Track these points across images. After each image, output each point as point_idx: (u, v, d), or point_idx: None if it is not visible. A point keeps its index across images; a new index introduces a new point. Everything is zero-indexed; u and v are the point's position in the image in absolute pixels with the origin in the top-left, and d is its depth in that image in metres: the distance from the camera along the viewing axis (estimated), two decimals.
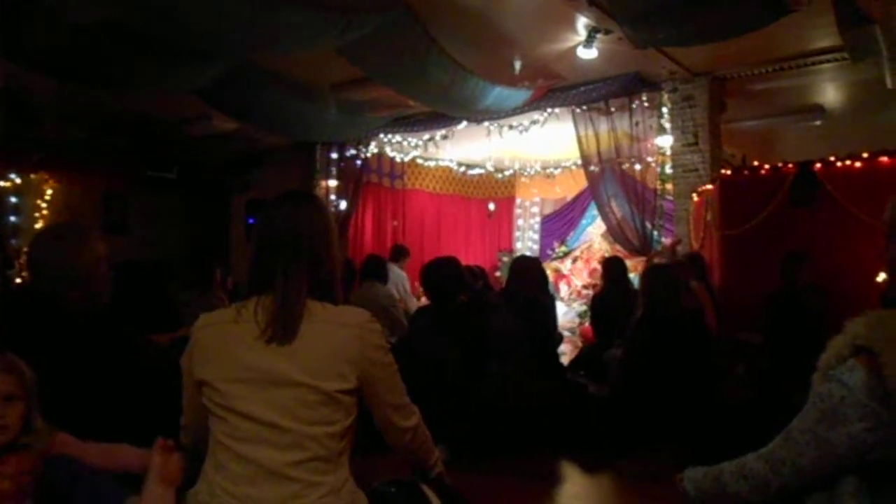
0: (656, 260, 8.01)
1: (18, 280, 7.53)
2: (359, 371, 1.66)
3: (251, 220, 9.54)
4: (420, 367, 3.54)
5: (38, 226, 9.34)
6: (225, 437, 1.61)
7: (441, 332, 3.71)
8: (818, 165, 5.21)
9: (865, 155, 5.09)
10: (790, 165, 5.35)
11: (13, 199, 9.20)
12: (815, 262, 4.87)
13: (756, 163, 6.02)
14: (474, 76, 6.25)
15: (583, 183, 11.11)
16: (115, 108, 7.94)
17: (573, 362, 5.50)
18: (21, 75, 5.84)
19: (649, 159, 7.95)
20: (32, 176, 9.24)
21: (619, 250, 8.85)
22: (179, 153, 9.58)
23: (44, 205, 9.46)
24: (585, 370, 5.23)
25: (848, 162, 5.10)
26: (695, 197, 6.82)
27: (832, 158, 5.21)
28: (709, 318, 5.06)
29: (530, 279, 4.71)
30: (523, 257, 6.51)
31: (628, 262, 8.81)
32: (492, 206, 12.55)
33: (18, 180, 9.09)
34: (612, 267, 5.67)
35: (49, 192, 9.48)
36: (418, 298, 8.95)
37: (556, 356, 5.30)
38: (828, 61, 6.86)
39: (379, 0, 4.98)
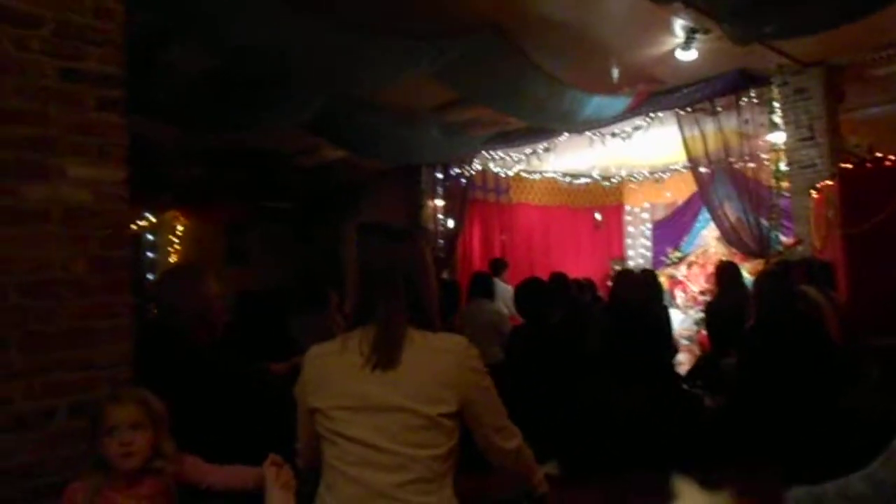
0: (774, 261, 7.72)
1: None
2: (459, 395, 1.73)
3: None
4: (516, 385, 3.57)
5: (172, 259, 10.11)
6: (335, 461, 1.72)
7: (533, 351, 3.73)
8: None
9: None
10: None
11: (149, 237, 10.00)
12: None
13: (881, 154, 5.63)
14: (571, 88, 6.24)
15: (693, 186, 10.79)
16: (231, 146, 8.48)
17: (690, 372, 5.34)
18: (145, 122, 6.36)
19: (762, 156, 7.62)
20: (165, 215, 10.00)
21: (736, 254, 8.50)
22: (292, 184, 10.08)
23: (175, 240, 10.19)
24: (702, 380, 5.07)
25: None
26: (814, 194, 6.47)
27: None
28: (829, 325, 4.77)
29: (635, 290, 4.63)
30: (626, 270, 6.40)
31: (746, 266, 8.50)
32: (598, 216, 12.37)
33: (153, 219, 9.87)
34: (726, 272, 5.47)
35: (179, 228, 10.21)
36: None
37: (670, 366, 5.17)
38: None
39: (467, 23, 5.10)
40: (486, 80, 5.78)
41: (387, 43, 4.61)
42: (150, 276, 9.35)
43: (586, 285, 6.70)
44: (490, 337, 5.55)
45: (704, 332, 7.14)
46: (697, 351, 7.65)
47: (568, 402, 3.77)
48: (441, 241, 10.12)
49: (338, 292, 6.27)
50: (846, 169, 5.51)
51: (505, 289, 8.00)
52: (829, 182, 6.05)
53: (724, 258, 10.31)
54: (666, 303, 7.32)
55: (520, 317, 4.12)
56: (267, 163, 9.48)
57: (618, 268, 12.19)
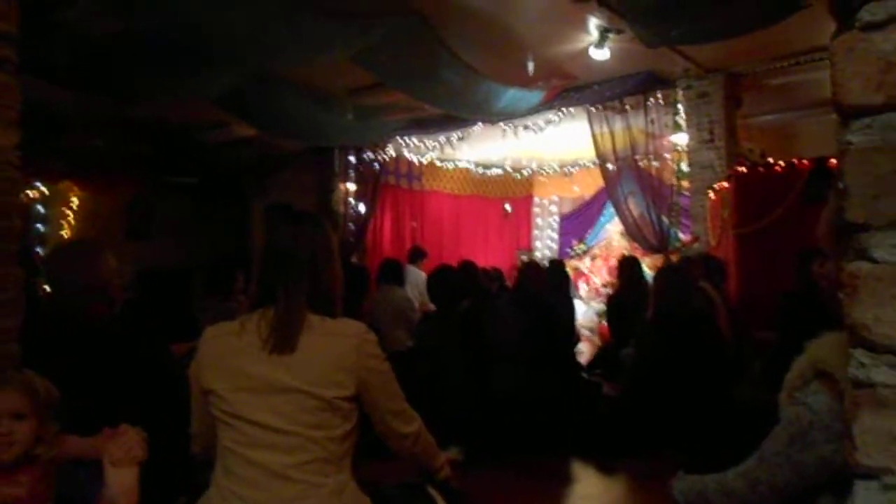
0: (674, 258, 8.08)
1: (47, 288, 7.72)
2: (356, 379, 1.75)
3: None
4: (428, 372, 3.60)
5: (65, 233, 9.56)
6: (232, 443, 1.71)
7: (444, 338, 3.77)
8: (834, 161, 5.17)
9: None
10: (805, 162, 5.33)
11: (40, 209, 9.40)
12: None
13: (772, 159, 5.98)
14: (487, 79, 6.29)
15: (600, 181, 11.12)
16: (135, 117, 8.08)
17: (590, 362, 5.53)
18: (41, 87, 5.98)
19: (666, 156, 7.95)
20: (59, 185, 9.43)
21: (638, 248, 8.83)
22: (199, 159, 9.72)
23: (70, 213, 9.64)
24: (602, 369, 5.26)
25: None
26: (711, 194, 6.80)
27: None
28: (720, 320, 5.04)
29: (540, 281, 4.74)
30: (532, 262, 6.54)
31: (647, 261, 8.86)
32: (508, 207, 12.58)
33: (45, 190, 9.28)
34: (628, 266, 5.69)
35: (75, 200, 9.67)
36: None
37: (572, 355, 5.33)
38: None
39: (388, 6, 5.06)
40: (404, 65, 5.75)
41: (306, 20, 4.50)
42: (38, 250, 8.82)
43: (494, 275, 6.80)
44: (397, 323, 5.56)
45: (605, 324, 7.41)
46: (598, 342, 7.92)
47: (474, 389, 3.83)
48: (351, 226, 10.02)
49: (243, 274, 6.14)
50: (740, 172, 5.82)
51: (417, 275, 8.04)
52: (724, 184, 6.37)
53: (626, 252, 10.72)
54: (571, 294, 7.55)
55: (432, 303, 4.15)
56: (172, 136, 9.10)
57: (524, 258, 12.48)
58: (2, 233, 2.06)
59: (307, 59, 5.33)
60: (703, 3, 4.93)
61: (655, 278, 4.26)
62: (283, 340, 1.72)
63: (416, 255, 8.44)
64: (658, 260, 8.08)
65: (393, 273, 5.88)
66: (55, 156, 8.57)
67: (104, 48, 5.21)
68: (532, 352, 3.97)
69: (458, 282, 4.08)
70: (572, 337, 5.42)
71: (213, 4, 4.24)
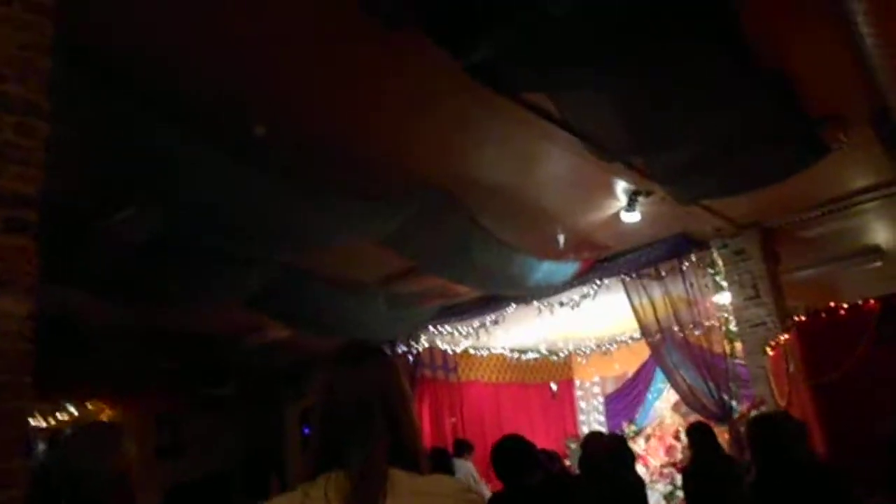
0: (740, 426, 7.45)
1: None
2: None
3: (307, 430, 9.23)
4: None
5: None
6: None
7: None
8: None
9: None
10: (871, 301, 5.01)
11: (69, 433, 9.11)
12: None
13: (834, 304, 5.63)
14: (520, 253, 6.21)
15: (641, 356, 10.75)
16: (163, 329, 8.02)
17: None
18: (68, 301, 5.94)
19: (708, 323, 7.62)
20: (89, 406, 9.22)
21: (697, 419, 8.22)
22: (232, 368, 9.56)
23: None
24: None
25: None
26: (769, 351, 6.39)
27: None
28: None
29: (606, 452, 4.27)
30: (595, 432, 6.04)
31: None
32: (554, 387, 12.09)
33: (75, 411, 9.06)
34: (698, 433, 5.16)
35: (104, 419, 9.39)
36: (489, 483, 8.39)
37: None
38: (872, 199, 6.73)
39: (415, 188, 5.08)
40: (435, 245, 5.70)
41: (339, 202, 4.50)
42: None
43: (554, 456, 6.23)
44: None
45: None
46: None
47: None
48: None
49: (279, 476, 5.72)
50: (803, 321, 5.47)
51: (466, 467, 7.51)
52: (784, 336, 5.99)
53: (680, 428, 10.07)
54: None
55: (499, 479, 3.68)
56: (202, 348, 9.00)
57: (573, 446, 11.73)
58: (11, 417, 1.79)
59: (337, 242, 5.29)
60: (729, 155, 4.91)
61: (748, 433, 3.68)
62: None
63: (462, 449, 7.94)
64: (722, 432, 7.48)
65: (441, 463, 5.39)
66: (83, 375, 8.43)
67: (136, 255, 5.24)
68: None
69: (527, 450, 3.64)
70: None
71: (255, 193, 4.26)
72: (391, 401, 1.52)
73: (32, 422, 8.82)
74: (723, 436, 7.70)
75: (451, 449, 9.96)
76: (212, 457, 9.57)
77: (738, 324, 7.17)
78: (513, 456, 3.46)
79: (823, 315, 5.30)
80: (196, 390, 9.63)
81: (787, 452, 3.07)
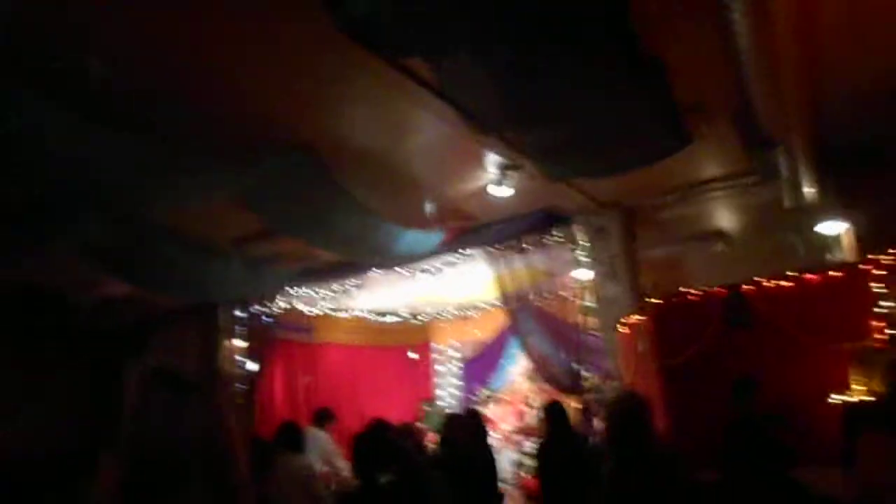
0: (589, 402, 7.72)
1: None
2: None
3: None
4: None
5: None
6: None
7: None
8: (746, 287, 5.13)
9: (792, 273, 5.06)
10: (718, 289, 5.25)
11: None
12: (760, 385, 4.64)
13: (683, 289, 5.87)
14: (385, 221, 5.99)
15: (499, 324, 10.92)
16: None
17: None
18: None
19: (564, 294, 7.78)
20: None
21: (547, 390, 8.45)
22: (65, 325, 8.69)
23: None
24: None
25: (776, 282, 5.04)
26: (621, 328, 6.61)
27: (760, 279, 5.15)
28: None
29: (465, 434, 4.22)
30: (455, 415, 6.01)
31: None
32: (413, 355, 12.07)
33: None
34: (554, 411, 5.23)
35: None
36: None
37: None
38: (723, 188, 7.07)
39: (278, 145, 4.72)
40: (296, 209, 5.35)
41: (192, 160, 4.06)
42: None
43: (408, 431, 6.09)
44: (301, 496, 4.80)
45: (530, 477, 6.84)
46: (520, 497, 7.30)
47: None
48: (240, 387, 9.12)
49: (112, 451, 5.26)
50: (655, 304, 5.66)
51: (320, 437, 7.31)
52: (636, 317, 6.19)
53: (531, 395, 10.37)
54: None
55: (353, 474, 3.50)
56: (33, 301, 8.13)
57: (427, 408, 11.81)
58: None
59: (192, 201, 4.84)
60: (601, 138, 4.92)
61: (609, 424, 3.74)
62: None
63: (323, 418, 7.70)
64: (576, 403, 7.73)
65: (291, 440, 5.13)
66: None
67: None
68: None
69: (382, 442, 3.48)
70: (498, 495, 4.83)
71: (94, 147, 3.74)
72: (214, 442, 1.26)
73: None
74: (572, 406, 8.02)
75: (302, 419, 9.78)
76: (42, 419, 8.78)
77: (594, 300, 7.35)
78: (368, 449, 3.27)
79: (674, 299, 5.50)
80: (21, 348, 8.70)
81: (643, 446, 3.09)
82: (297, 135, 4.79)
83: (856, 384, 4.59)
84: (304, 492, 4.76)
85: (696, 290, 5.44)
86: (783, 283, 5.06)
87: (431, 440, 10.42)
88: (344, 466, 7.48)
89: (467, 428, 4.73)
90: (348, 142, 5.09)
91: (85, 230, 5.13)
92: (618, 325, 6.77)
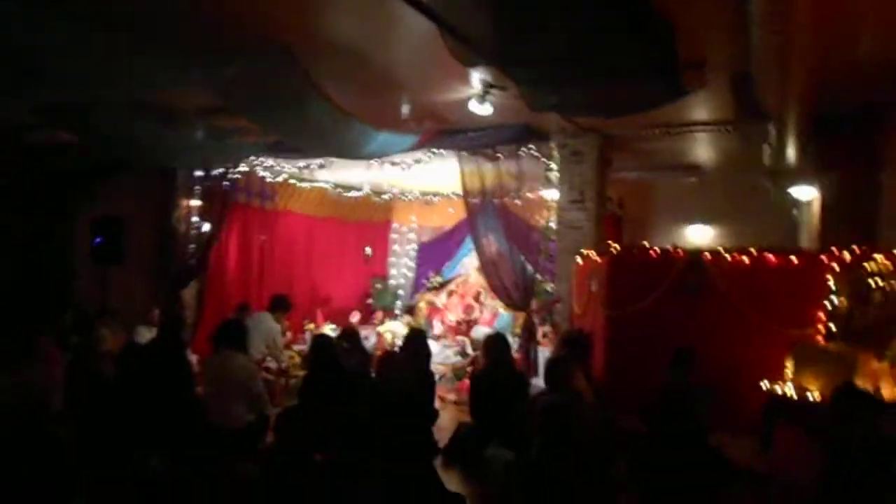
0: (535, 317, 7.90)
1: None
2: None
3: (98, 240, 8.47)
4: None
5: None
6: None
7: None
8: (707, 255, 5.15)
9: (753, 251, 5.07)
10: (679, 252, 5.26)
11: None
12: (699, 353, 4.77)
13: (645, 243, 5.85)
14: (358, 121, 5.74)
15: (462, 213, 10.81)
16: None
17: (447, 448, 5.09)
18: None
19: (530, 195, 7.70)
20: None
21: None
22: (14, 161, 8.33)
23: None
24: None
25: (736, 256, 5.06)
26: (578, 260, 6.65)
27: (721, 250, 5.16)
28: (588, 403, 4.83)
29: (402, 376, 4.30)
30: (390, 355, 6.02)
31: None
32: (368, 251, 12.01)
33: None
34: (495, 344, 5.32)
35: None
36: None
37: (430, 440, 4.94)
38: (706, 131, 6.96)
39: (255, 39, 4.39)
40: (268, 102, 5.08)
41: (162, 53, 3.77)
42: None
43: (350, 337, 6.00)
44: (235, 395, 4.89)
45: (466, 381, 7.07)
46: (454, 398, 7.58)
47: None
48: (192, 247, 9.04)
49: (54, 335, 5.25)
50: (615, 253, 5.67)
51: (271, 328, 7.35)
52: (592, 254, 6.21)
53: (482, 290, 10.52)
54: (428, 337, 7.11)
55: None
56: None
57: (378, 286, 11.93)
58: None
59: (159, 88, 4.55)
60: (595, 81, 4.70)
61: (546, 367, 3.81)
62: None
63: (278, 306, 7.68)
64: (520, 317, 7.90)
65: (234, 337, 5.11)
66: None
67: None
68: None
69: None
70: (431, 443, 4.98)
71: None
72: None
73: None
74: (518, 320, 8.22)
75: (253, 284, 9.81)
76: None
77: (558, 222, 7.34)
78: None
79: (635, 252, 5.50)
80: None
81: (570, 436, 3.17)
82: (278, 32, 4.46)
83: (787, 374, 4.75)
84: (242, 390, 4.82)
85: (658, 248, 5.43)
86: (744, 258, 5.07)
87: (378, 318, 10.69)
88: (283, 358, 7.63)
89: (403, 366, 4.82)
90: (329, 41, 4.76)
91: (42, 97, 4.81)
92: (578, 254, 6.80)
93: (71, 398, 4.73)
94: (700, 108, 6.37)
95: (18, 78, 4.25)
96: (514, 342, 7.35)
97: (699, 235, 9.58)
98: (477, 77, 5.53)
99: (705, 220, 9.63)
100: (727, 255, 5.11)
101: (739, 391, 4.89)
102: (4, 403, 4.23)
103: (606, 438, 4.58)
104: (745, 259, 5.06)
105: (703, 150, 8.04)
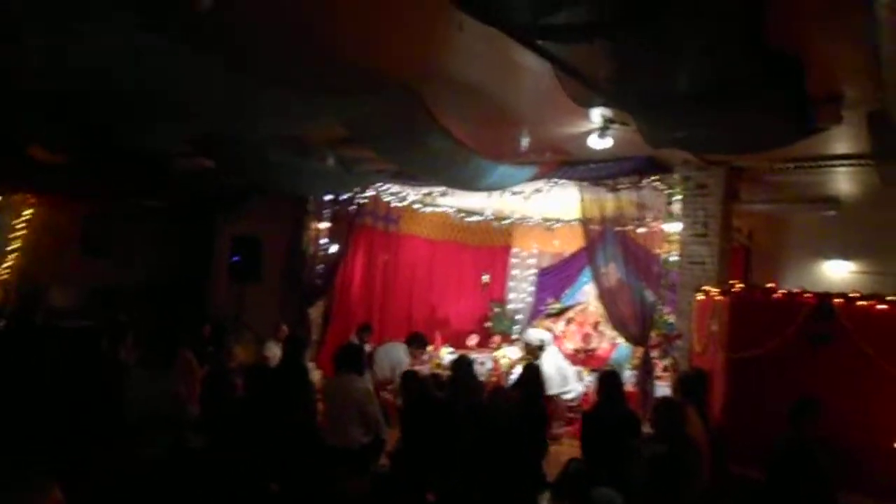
0: (654, 354, 7.69)
1: None
2: None
3: (235, 259, 9.15)
4: None
5: (16, 244, 9.03)
6: None
7: None
8: (838, 300, 4.86)
9: (891, 298, 4.74)
10: (807, 296, 5.00)
11: None
12: (824, 405, 4.50)
13: (772, 285, 5.60)
14: (477, 156, 5.89)
15: (582, 240, 10.69)
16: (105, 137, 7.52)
17: (556, 484, 5.06)
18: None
19: (653, 225, 7.51)
20: (14, 196, 8.90)
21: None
22: (170, 184, 9.18)
23: (20, 224, 9.08)
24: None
25: (871, 302, 4.75)
26: (700, 296, 6.45)
27: (853, 295, 4.86)
28: (702, 449, 4.67)
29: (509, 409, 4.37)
30: (500, 390, 6.05)
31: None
32: (486, 278, 12.09)
33: None
34: (609, 380, 5.26)
35: (28, 211, 9.10)
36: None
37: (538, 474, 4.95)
38: (844, 165, 6.57)
39: (379, 82, 4.64)
40: (392, 138, 5.34)
41: (293, 96, 4.08)
42: None
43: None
44: (352, 417, 5.12)
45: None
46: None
47: None
48: (320, 267, 9.53)
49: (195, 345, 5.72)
50: (738, 292, 5.47)
51: (399, 360, 7.52)
52: (716, 291, 6.01)
53: (601, 320, 10.33)
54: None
55: None
56: (144, 161, 8.57)
57: (497, 310, 11.99)
58: None
59: (293, 129, 4.90)
60: (720, 119, 4.59)
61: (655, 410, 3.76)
62: None
63: (415, 341, 7.90)
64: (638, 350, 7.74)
65: (352, 361, 5.37)
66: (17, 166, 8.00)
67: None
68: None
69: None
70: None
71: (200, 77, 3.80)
72: None
73: None
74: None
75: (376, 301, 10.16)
76: (135, 265, 9.59)
77: (680, 255, 7.16)
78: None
79: (759, 293, 5.29)
80: (125, 198, 9.32)
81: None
82: (404, 72, 4.68)
83: None
84: (357, 411, 5.05)
85: (783, 291, 5.18)
86: (879, 305, 4.74)
87: (496, 343, 10.74)
88: None
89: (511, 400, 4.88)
90: (451, 81, 4.93)
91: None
92: (699, 290, 6.59)
93: (205, 410, 5.14)
94: (837, 142, 6.04)
95: (173, 111, 4.71)
96: (631, 375, 7.22)
97: (837, 271, 8.97)
98: (597, 112, 5.54)
99: (844, 255, 9.02)
100: (861, 301, 4.79)
101: (876, 450, 4.57)
102: (152, 411, 4.64)
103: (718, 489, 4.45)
104: (881, 305, 4.72)
105: (842, 182, 7.58)
